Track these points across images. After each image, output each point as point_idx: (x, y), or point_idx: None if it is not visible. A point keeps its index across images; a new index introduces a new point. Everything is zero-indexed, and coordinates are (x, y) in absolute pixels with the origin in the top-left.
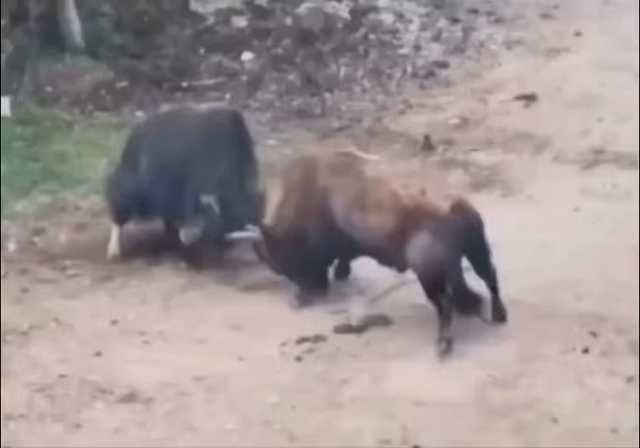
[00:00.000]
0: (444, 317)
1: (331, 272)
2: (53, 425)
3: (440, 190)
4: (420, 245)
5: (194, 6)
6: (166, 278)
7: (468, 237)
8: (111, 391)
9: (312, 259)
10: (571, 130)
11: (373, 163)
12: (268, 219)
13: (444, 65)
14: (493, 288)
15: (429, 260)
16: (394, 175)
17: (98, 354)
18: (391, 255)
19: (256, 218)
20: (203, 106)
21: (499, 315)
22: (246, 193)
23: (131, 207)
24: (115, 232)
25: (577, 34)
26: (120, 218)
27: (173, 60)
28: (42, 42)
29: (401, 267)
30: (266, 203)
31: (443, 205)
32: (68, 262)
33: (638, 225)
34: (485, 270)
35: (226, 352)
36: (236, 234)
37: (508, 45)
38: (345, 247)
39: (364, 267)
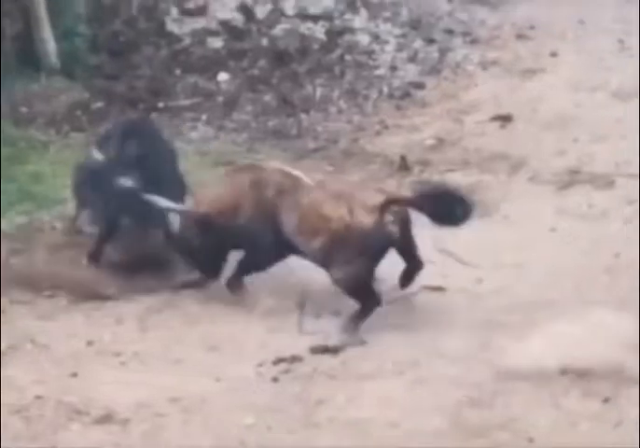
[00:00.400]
0: (361, 315)
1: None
2: (29, 446)
3: (369, 199)
4: (343, 263)
5: (170, 26)
6: (142, 299)
7: (393, 238)
8: (87, 412)
9: (252, 258)
10: (547, 150)
11: (308, 188)
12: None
13: (420, 86)
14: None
15: (352, 277)
16: (325, 196)
17: (74, 375)
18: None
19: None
20: None
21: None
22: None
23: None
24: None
25: (553, 54)
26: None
27: (149, 80)
28: (17, 62)
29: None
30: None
31: (367, 220)
32: (45, 283)
33: (613, 245)
34: (413, 260)
35: (202, 373)
36: (164, 203)
37: (484, 65)
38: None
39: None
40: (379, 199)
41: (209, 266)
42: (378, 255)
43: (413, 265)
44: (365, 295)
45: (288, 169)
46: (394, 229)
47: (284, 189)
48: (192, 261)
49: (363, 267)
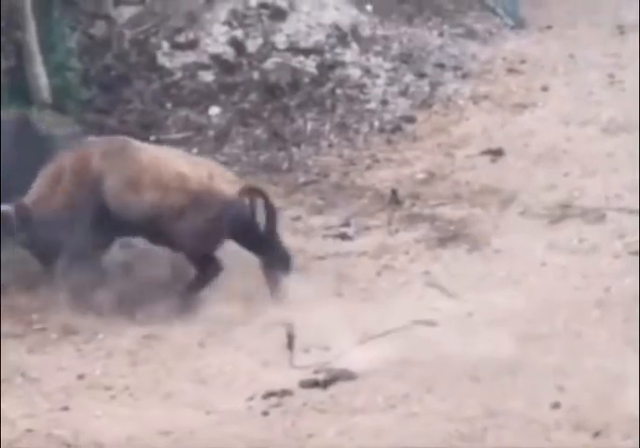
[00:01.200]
0: (200, 283)
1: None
2: None
3: (226, 176)
4: (193, 227)
5: (161, 60)
6: (132, 332)
7: (253, 220)
8: (77, 446)
9: (77, 241)
10: (537, 184)
11: (149, 148)
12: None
13: (411, 120)
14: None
15: (201, 242)
16: (178, 156)
17: (64, 408)
18: (165, 233)
19: None
20: None
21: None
22: None
23: None
24: None
25: (544, 88)
26: None
27: (140, 114)
28: (9, 97)
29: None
30: None
31: (230, 190)
32: (34, 316)
33: (604, 279)
34: (260, 246)
35: (192, 406)
36: None
37: (475, 99)
38: (115, 230)
39: (328, 319)
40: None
41: (45, 255)
42: (233, 228)
43: (277, 260)
44: (207, 263)
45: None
46: (259, 213)
47: (112, 155)
48: (33, 254)
49: (214, 234)
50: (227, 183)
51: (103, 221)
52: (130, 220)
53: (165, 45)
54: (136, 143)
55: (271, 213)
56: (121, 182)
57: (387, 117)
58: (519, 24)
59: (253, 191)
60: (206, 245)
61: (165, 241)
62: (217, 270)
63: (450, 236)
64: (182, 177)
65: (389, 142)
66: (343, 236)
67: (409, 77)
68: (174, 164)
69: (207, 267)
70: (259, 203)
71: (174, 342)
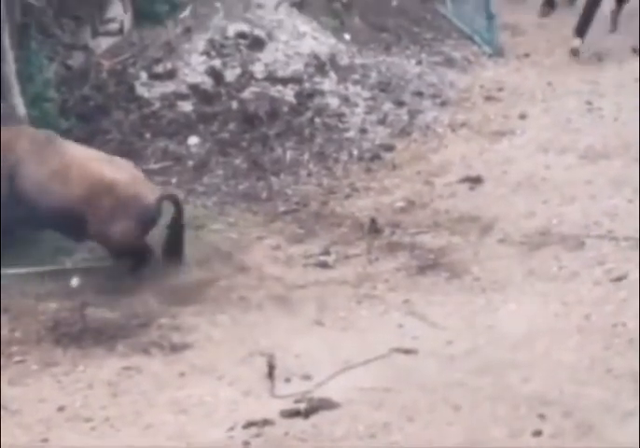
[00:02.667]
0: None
1: None
2: None
3: (145, 182)
4: (120, 227)
5: (139, 90)
6: (112, 363)
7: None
8: None
9: None
10: (516, 212)
11: (75, 145)
12: None
13: (390, 148)
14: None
15: (124, 240)
16: (102, 158)
17: (45, 440)
18: (92, 230)
19: None
20: None
21: None
22: None
23: None
24: None
25: (522, 116)
26: None
27: (119, 144)
28: None
29: (80, 238)
30: None
31: (151, 195)
32: (14, 348)
33: (584, 306)
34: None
35: (173, 437)
36: None
37: (454, 127)
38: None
39: (308, 348)
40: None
41: None
42: (147, 226)
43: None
44: (136, 251)
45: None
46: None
47: (34, 141)
48: None
49: (137, 234)
50: (147, 189)
51: (13, 206)
52: (49, 209)
53: (143, 75)
54: (61, 139)
55: (180, 218)
56: (45, 171)
57: (366, 145)
58: (497, 52)
59: (169, 198)
60: (130, 242)
61: (88, 235)
62: (149, 256)
63: (429, 264)
64: (111, 180)
65: (368, 170)
66: (323, 265)
67: (387, 106)
68: (101, 165)
69: (139, 255)
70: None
71: (154, 372)
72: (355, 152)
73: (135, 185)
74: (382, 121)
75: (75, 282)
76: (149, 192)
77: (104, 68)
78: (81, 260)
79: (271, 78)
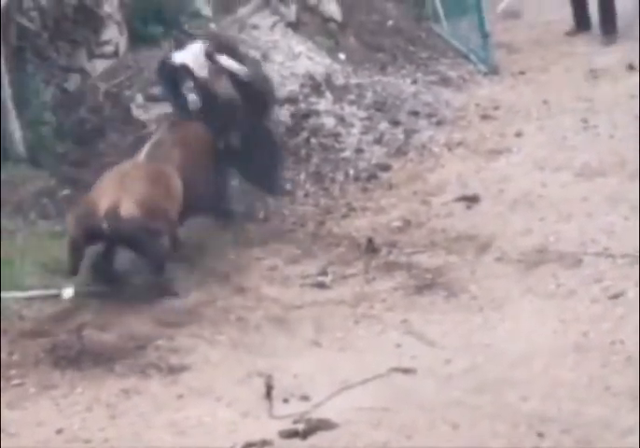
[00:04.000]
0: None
1: None
2: None
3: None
4: None
5: (136, 112)
6: (110, 385)
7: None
8: None
9: None
10: (513, 230)
11: None
12: None
13: (386, 168)
14: None
15: None
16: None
17: None
18: None
19: None
20: None
21: None
22: None
23: None
24: None
25: (518, 134)
26: None
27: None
28: None
29: None
30: None
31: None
32: (13, 372)
33: (582, 324)
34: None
35: None
36: None
37: (450, 146)
38: None
39: (306, 369)
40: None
41: None
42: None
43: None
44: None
45: None
46: None
47: None
48: None
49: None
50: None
51: None
52: None
53: (139, 97)
54: None
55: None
56: None
57: (362, 165)
58: (492, 70)
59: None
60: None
61: None
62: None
63: (427, 284)
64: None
65: (365, 190)
66: (320, 285)
67: (383, 125)
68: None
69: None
70: None
71: (153, 394)
72: (352, 172)
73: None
74: (378, 141)
75: (67, 293)
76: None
77: (101, 91)
78: (80, 284)
79: None
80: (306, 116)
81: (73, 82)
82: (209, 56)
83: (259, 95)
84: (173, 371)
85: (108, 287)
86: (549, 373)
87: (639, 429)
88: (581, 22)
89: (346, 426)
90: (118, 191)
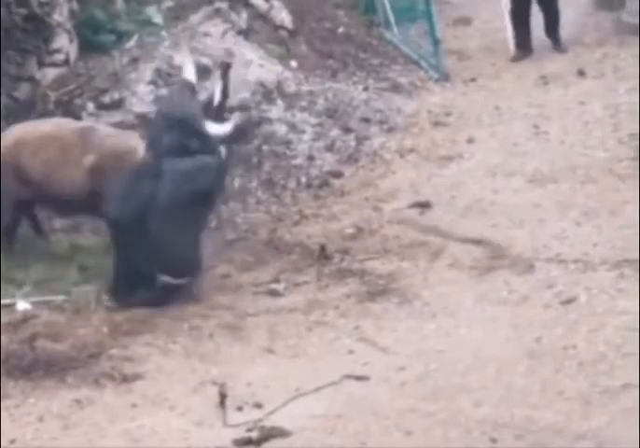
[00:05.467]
0: None
1: None
2: None
3: None
4: None
5: (86, 121)
6: (63, 395)
7: None
8: None
9: None
10: (466, 236)
11: None
12: None
13: (338, 175)
14: None
15: None
16: None
17: None
18: None
19: None
20: None
21: None
22: None
23: None
24: None
25: (469, 140)
26: None
27: None
28: None
29: None
30: None
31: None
32: None
33: (534, 330)
34: None
35: None
36: None
37: (402, 153)
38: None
39: (260, 376)
40: None
41: None
42: None
43: None
44: None
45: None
46: None
47: None
48: None
49: None
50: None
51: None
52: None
53: (90, 105)
54: None
55: None
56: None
57: (314, 172)
58: (443, 77)
59: None
60: None
61: None
62: None
63: (379, 290)
64: None
65: (317, 197)
66: (273, 293)
67: (335, 132)
68: None
69: None
70: None
71: (106, 404)
72: (304, 179)
73: None
74: (329, 148)
75: (21, 306)
76: None
77: (51, 99)
78: (31, 292)
79: None
80: (258, 123)
81: (23, 91)
82: None
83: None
84: (127, 380)
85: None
86: (503, 379)
87: (591, 435)
88: (525, 45)
89: (300, 433)
90: None
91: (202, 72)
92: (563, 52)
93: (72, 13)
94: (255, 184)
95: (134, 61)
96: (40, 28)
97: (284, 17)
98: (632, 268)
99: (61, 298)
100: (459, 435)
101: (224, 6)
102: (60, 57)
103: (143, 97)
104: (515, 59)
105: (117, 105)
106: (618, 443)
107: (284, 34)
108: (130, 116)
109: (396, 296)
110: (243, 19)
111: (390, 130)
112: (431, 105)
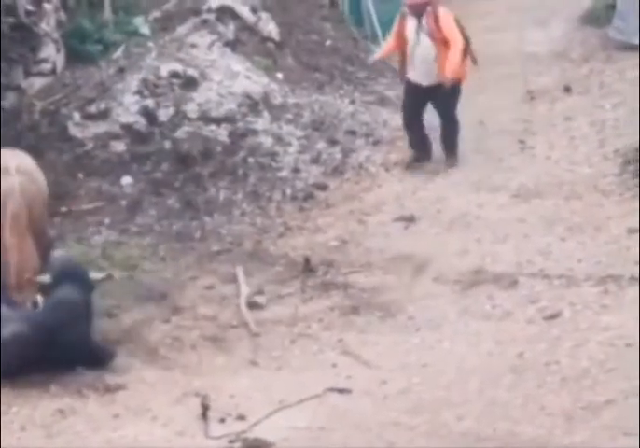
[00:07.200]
0: None
1: None
2: None
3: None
4: None
5: (72, 130)
6: (46, 404)
7: None
8: None
9: None
10: (450, 250)
11: None
12: None
13: (323, 187)
14: None
15: None
16: None
17: None
18: None
19: None
20: None
21: None
22: None
23: None
24: None
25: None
26: None
27: (52, 185)
28: None
29: None
30: None
31: None
32: None
33: (517, 345)
34: None
35: None
36: None
37: (387, 166)
38: None
39: (243, 388)
40: None
41: None
42: None
43: None
44: None
45: None
46: None
47: None
48: None
49: None
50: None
51: None
52: None
53: (76, 115)
54: None
55: None
56: None
57: (299, 184)
58: None
59: None
60: None
61: None
62: None
63: (363, 303)
64: None
65: (301, 209)
66: (257, 305)
67: (320, 145)
68: None
69: None
70: None
71: (89, 414)
72: (289, 191)
73: None
74: (315, 160)
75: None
76: None
77: (37, 109)
78: None
79: (205, 118)
80: (243, 135)
81: (9, 100)
82: None
83: None
84: (110, 390)
85: None
86: (485, 394)
87: None
88: (422, 152)
89: (282, 445)
90: None
91: (189, 83)
92: (452, 167)
93: (59, 23)
94: (240, 196)
95: (121, 71)
96: (27, 37)
97: (271, 29)
98: (615, 284)
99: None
100: None
101: (211, 17)
102: (46, 66)
103: (129, 107)
104: (409, 165)
105: (103, 114)
106: None
107: (271, 46)
108: (116, 126)
109: (379, 309)
110: (230, 30)
111: (376, 143)
112: None
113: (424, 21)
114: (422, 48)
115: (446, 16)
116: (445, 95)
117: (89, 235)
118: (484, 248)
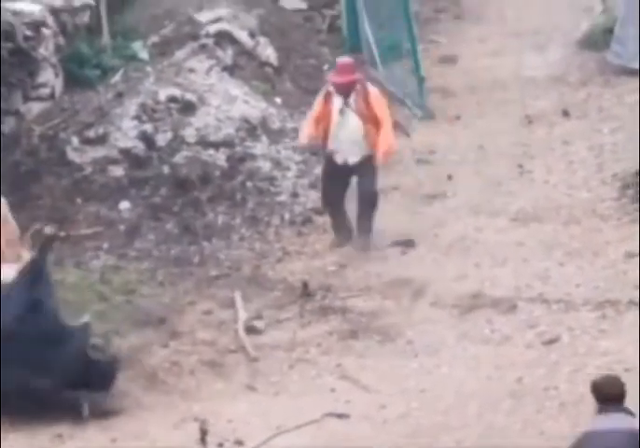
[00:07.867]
0: None
1: None
2: None
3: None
4: None
5: (71, 155)
6: (45, 430)
7: None
8: None
9: None
10: (448, 275)
11: None
12: None
13: (321, 212)
14: None
15: None
16: None
17: None
18: None
19: None
20: None
21: None
22: None
23: None
24: None
25: (453, 178)
26: None
27: (51, 210)
28: None
29: None
30: None
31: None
32: None
33: (516, 369)
34: None
35: None
36: None
37: (385, 191)
38: None
39: (241, 413)
40: None
41: None
42: None
43: None
44: None
45: None
46: None
47: None
48: None
49: None
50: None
51: None
52: None
53: (75, 140)
54: None
55: None
56: None
57: (298, 209)
58: (427, 115)
59: None
60: None
61: None
62: None
63: (361, 328)
64: None
65: (300, 234)
66: (255, 329)
67: (318, 170)
68: None
69: None
70: None
71: (87, 439)
72: (287, 216)
73: None
74: (313, 185)
75: None
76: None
77: (36, 133)
78: None
79: (203, 143)
80: (242, 159)
81: (8, 125)
82: None
83: None
84: (108, 415)
85: None
86: (484, 418)
87: None
88: (344, 235)
89: None
90: None
91: (187, 107)
92: (365, 251)
93: (58, 47)
94: (238, 220)
95: (119, 95)
96: (26, 62)
97: (269, 53)
98: (613, 309)
99: None
100: None
101: (209, 42)
102: (45, 91)
103: (127, 132)
104: (332, 245)
105: (101, 139)
106: None
107: (269, 70)
108: (114, 150)
109: (378, 334)
110: (228, 55)
111: None
112: (415, 142)
113: (351, 99)
114: (349, 127)
115: (375, 92)
116: (371, 169)
117: (87, 260)
118: (483, 272)
